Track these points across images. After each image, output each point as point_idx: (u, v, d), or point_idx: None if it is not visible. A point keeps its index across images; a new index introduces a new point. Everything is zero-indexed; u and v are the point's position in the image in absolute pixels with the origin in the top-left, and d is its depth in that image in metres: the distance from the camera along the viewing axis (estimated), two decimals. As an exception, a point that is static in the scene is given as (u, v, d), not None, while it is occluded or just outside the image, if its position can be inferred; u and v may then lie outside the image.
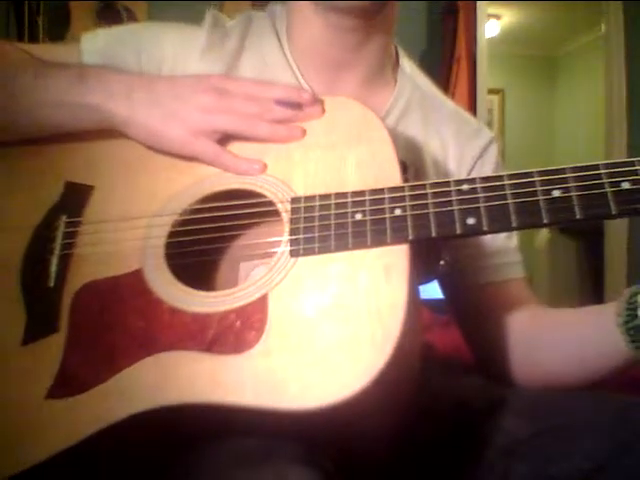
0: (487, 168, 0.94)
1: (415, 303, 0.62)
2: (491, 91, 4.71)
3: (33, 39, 2.60)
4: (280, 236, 0.68)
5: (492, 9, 4.39)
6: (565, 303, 0.89)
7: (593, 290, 4.37)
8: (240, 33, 0.90)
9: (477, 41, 3.64)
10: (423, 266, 0.67)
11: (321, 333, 0.60)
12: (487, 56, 3.72)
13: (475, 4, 3.65)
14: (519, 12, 4.97)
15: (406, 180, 0.68)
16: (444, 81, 3.43)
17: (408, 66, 0.96)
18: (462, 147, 0.93)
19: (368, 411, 0.60)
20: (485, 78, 3.69)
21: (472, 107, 3.46)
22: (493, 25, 4.91)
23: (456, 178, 0.89)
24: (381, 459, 0.71)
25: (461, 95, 3.46)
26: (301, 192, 0.69)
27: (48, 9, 2.74)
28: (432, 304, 1.30)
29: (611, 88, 3.80)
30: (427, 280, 0.72)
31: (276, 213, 0.70)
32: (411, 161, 0.86)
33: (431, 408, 0.76)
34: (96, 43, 0.87)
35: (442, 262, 0.67)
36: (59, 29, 2.75)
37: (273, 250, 0.67)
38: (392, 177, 0.68)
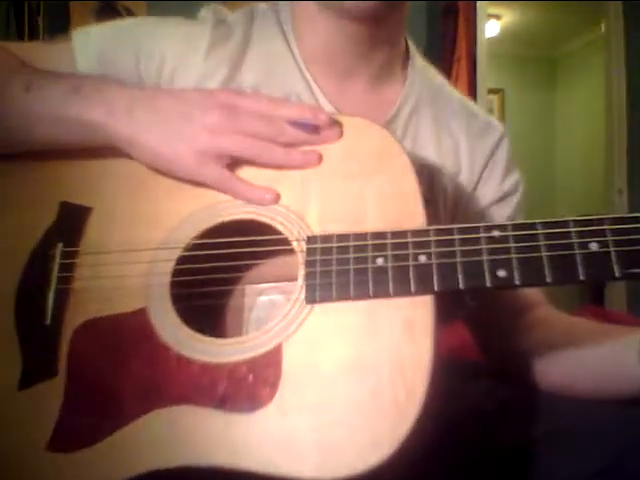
0: (498, 166, 0.92)
1: (438, 356, 0.59)
2: (491, 91, 4.70)
3: (33, 39, 2.55)
4: (293, 273, 0.64)
5: (492, 9, 4.37)
6: (565, 301, 0.87)
7: (593, 288, 4.35)
8: (243, 30, 0.85)
9: (477, 41, 3.63)
10: (446, 312, 0.63)
11: (339, 391, 0.57)
12: (487, 56, 3.71)
13: (475, 4, 3.64)
14: (519, 12, 4.96)
15: (429, 215, 0.64)
16: (444, 82, 3.42)
17: (418, 59, 0.93)
18: (473, 144, 0.90)
19: (387, 467, 0.57)
20: (485, 78, 3.68)
21: (473, 107, 3.45)
22: (493, 25, 4.89)
23: (468, 177, 0.88)
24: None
25: (461, 95, 3.44)
26: (316, 227, 0.65)
27: (48, 9, 2.70)
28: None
29: (611, 88, 3.81)
30: (449, 322, 0.69)
31: (288, 243, 0.66)
32: (425, 165, 0.84)
33: (446, 420, 0.73)
34: (89, 42, 0.83)
35: (466, 308, 0.64)
36: (59, 29, 2.71)
37: (287, 296, 0.64)
38: (414, 213, 0.64)
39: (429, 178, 0.85)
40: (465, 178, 0.89)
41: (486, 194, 0.90)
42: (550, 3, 4.52)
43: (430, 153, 0.87)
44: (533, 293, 0.89)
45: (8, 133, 0.74)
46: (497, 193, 0.91)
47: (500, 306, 0.86)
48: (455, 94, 0.95)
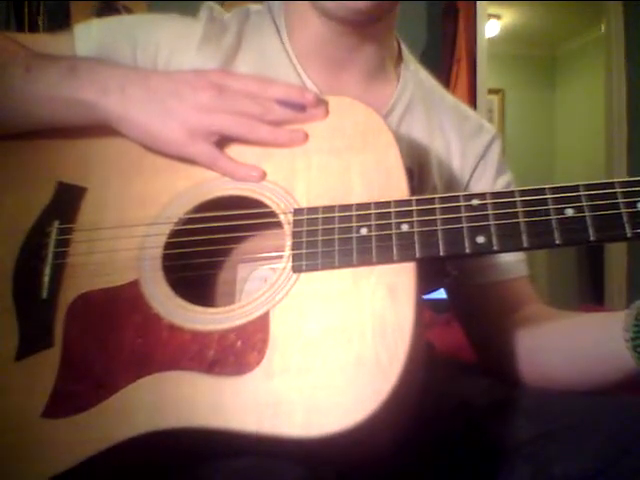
0: (490, 167, 0.92)
1: (421, 321, 0.60)
2: (491, 91, 4.70)
3: (33, 39, 2.58)
4: (281, 245, 0.66)
5: (492, 9, 4.38)
6: (565, 301, 0.88)
7: (593, 288, 4.36)
8: (237, 27, 0.87)
9: (477, 41, 3.64)
10: (428, 280, 0.65)
11: (325, 355, 0.58)
12: (487, 56, 3.72)
13: (475, 4, 3.65)
14: (519, 12, 4.96)
15: (412, 188, 0.66)
16: (444, 81, 3.40)
17: (411, 62, 0.94)
18: (464, 145, 0.91)
19: (372, 430, 0.58)
20: (485, 78, 3.69)
21: (472, 107, 3.44)
22: (493, 25, 4.89)
23: (459, 177, 0.90)
24: (384, 462, 0.69)
25: (461, 95, 3.45)
26: (304, 201, 0.67)
27: (48, 9, 2.71)
28: (431, 303, 1.29)
29: (611, 88, 3.82)
30: (432, 291, 0.70)
31: (276, 217, 0.67)
32: (415, 162, 0.85)
33: (435, 409, 0.75)
34: (90, 34, 0.85)
35: (448, 277, 0.65)
36: (59, 29, 2.72)
37: (274, 266, 0.65)
38: (398, 186, 0.66)
39: (420, 175, 0.86)
40: (456, 177, 0.90)
41: None
42: (550, 3, 4.52)
43: (422, 151, 0.88)
44: (525, 290, 0.90)
45: (9, 112, 0.76)
46: None
47: (491, 304, 0.88)
48: (448, 96, 0.97)
